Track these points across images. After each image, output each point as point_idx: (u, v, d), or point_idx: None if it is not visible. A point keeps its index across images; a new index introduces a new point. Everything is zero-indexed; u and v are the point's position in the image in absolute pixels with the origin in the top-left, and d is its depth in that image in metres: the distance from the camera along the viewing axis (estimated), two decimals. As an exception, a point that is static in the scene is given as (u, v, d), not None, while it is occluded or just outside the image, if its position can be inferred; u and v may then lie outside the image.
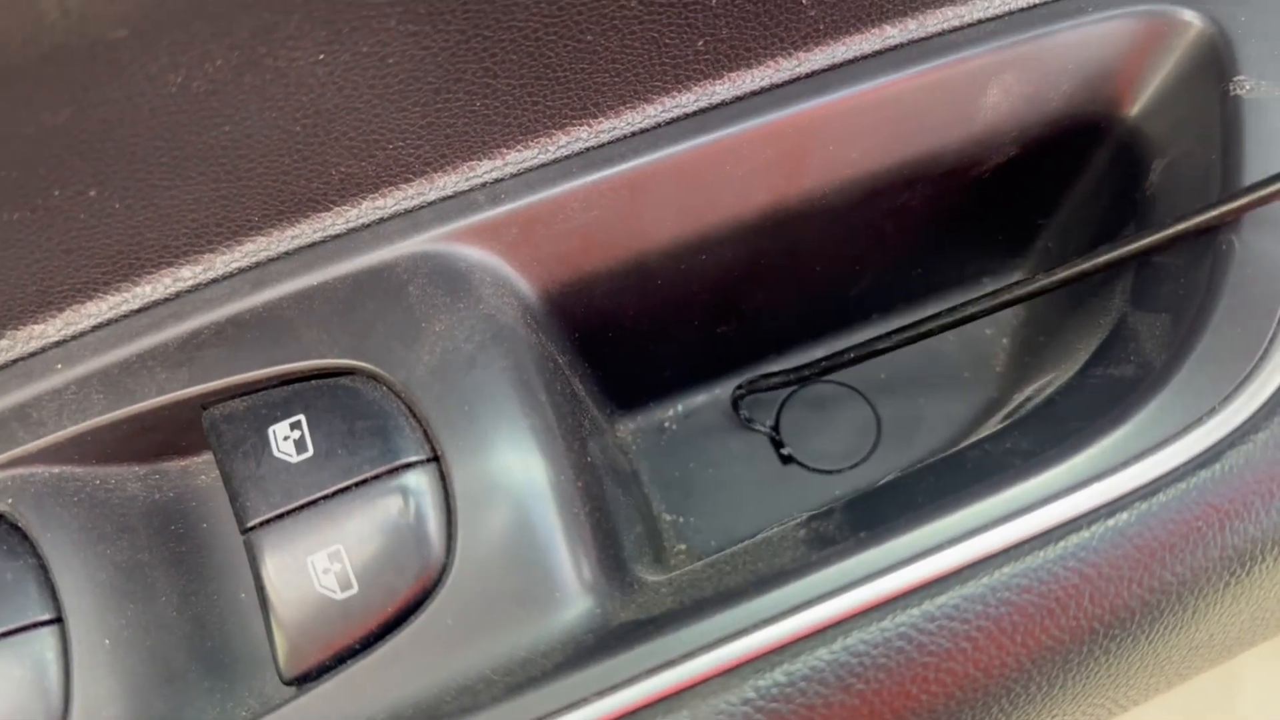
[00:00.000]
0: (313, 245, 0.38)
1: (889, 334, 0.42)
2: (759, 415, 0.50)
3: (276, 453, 0.34)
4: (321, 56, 0.32)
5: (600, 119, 0.39)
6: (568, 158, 0.39)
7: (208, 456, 0.39)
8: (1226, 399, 0.34)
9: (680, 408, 0.51)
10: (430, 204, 0.38)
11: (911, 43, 0.40)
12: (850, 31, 0.39)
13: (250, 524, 0.33)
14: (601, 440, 0.43)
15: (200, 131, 0.32)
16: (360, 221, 0.38)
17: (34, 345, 0.37)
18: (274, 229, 0.37)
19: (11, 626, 0.34)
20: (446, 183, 0.38)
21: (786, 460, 0.50)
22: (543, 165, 0.39)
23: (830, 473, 0.49)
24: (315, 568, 0.33)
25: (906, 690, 0.32)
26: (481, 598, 0.33)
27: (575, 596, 0.34)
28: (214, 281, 0.37)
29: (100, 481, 0.37)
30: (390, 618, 0.33)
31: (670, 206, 0.39)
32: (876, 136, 0.40)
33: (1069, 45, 0.40)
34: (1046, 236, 0.49)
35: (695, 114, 0.39)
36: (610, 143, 0.39)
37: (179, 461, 0.38)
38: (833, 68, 0.40)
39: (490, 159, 0.38)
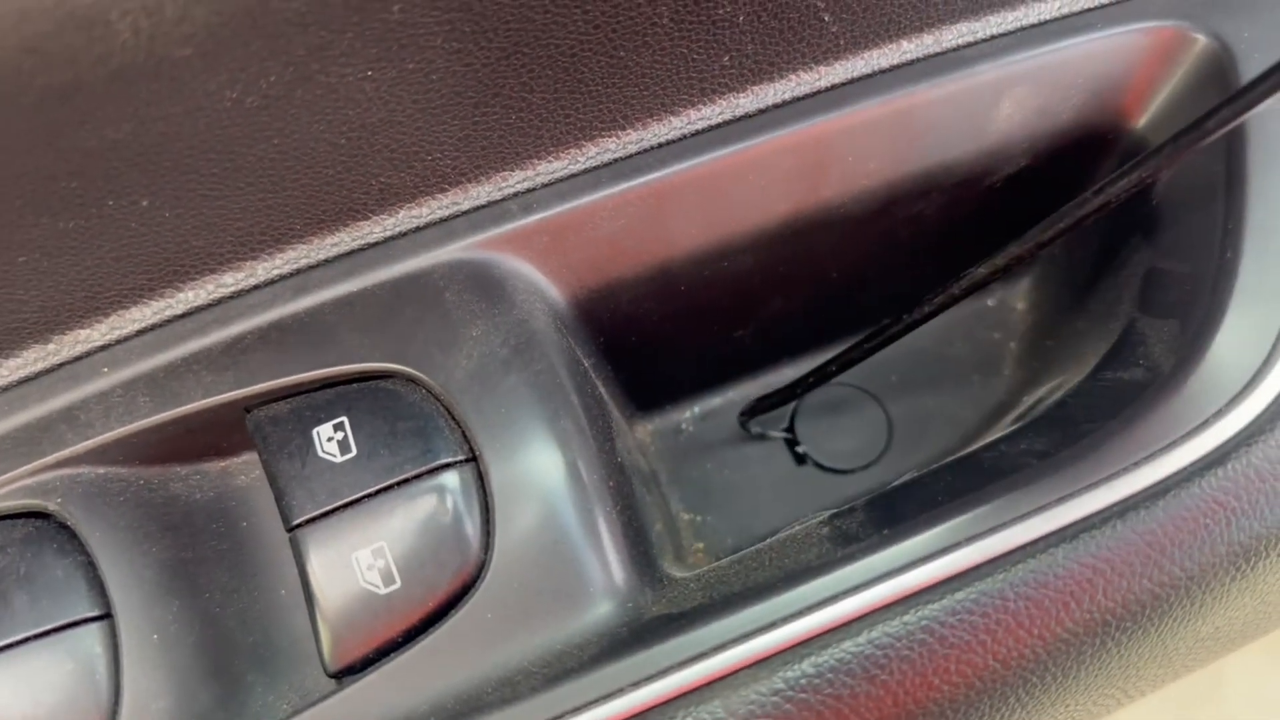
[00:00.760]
0: (352, 253, 0.39)
1: (879, 330, 0.42)
2: (773, 420, 0.52)
3: (321, 453, 0.35)
4: (370, 73, 0.33)
5: (628, 131, 0.40)
6: (597, 168, 0.40)
7: (247, 457, 0.40)
8: (1233, 402, 0.36)
9: (697, 409, 0.52)
10: (464, 213, 0.39)
11: (927, 57, 0.42)
12: (869, 47, 0.41)
13: (296, 522, 0.35)
14: (624, 441, 0.44)
15: (251, 144, 0.33)
16: (398, 230, 0.39)
17: (80, 349, 0.38)
18: (315, 237, 0.38)
19: (63, 622, 0.35)
20: (480, 192, 0.39)
21: (801, 460, 0.51)
22: (572, 175, 0.40)
23: (844, 472, 0.51)
24: (359, 564, 0.34)
25: (929, 681, 0.33)
26: (519, 593, 0.34)
27: (608, 592, 0.35)
28: (256, 288, 0.38)
29: (144, 482, 0.38)
30: (431, 612, 0.34)
31: (695, 215, 0.41)
32: (893, 148, 0.42)
33: (1079, 59, 0.42)
34: (1054, 245, 0.50)
35: (719, 126, 0.41)
36: (638, 153, 0.40)
37: (219, 463, 0.40)
38: (851, 81, 0.41)
39: (522, 169, 0.39)
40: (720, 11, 0.36)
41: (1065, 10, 0.42)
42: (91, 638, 0.35)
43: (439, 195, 0.39)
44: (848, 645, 0.33)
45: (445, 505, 0.35)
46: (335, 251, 0.39)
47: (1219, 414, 0.36)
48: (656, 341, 0.46)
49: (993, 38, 0.42)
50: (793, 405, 0.52)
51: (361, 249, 0.39)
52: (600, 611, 0.35)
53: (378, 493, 0.35)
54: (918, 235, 0.46)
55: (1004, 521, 0.34)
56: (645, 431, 0.52)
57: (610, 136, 0.40)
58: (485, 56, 0.34)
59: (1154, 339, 0.39)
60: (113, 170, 0.32)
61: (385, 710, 0.33)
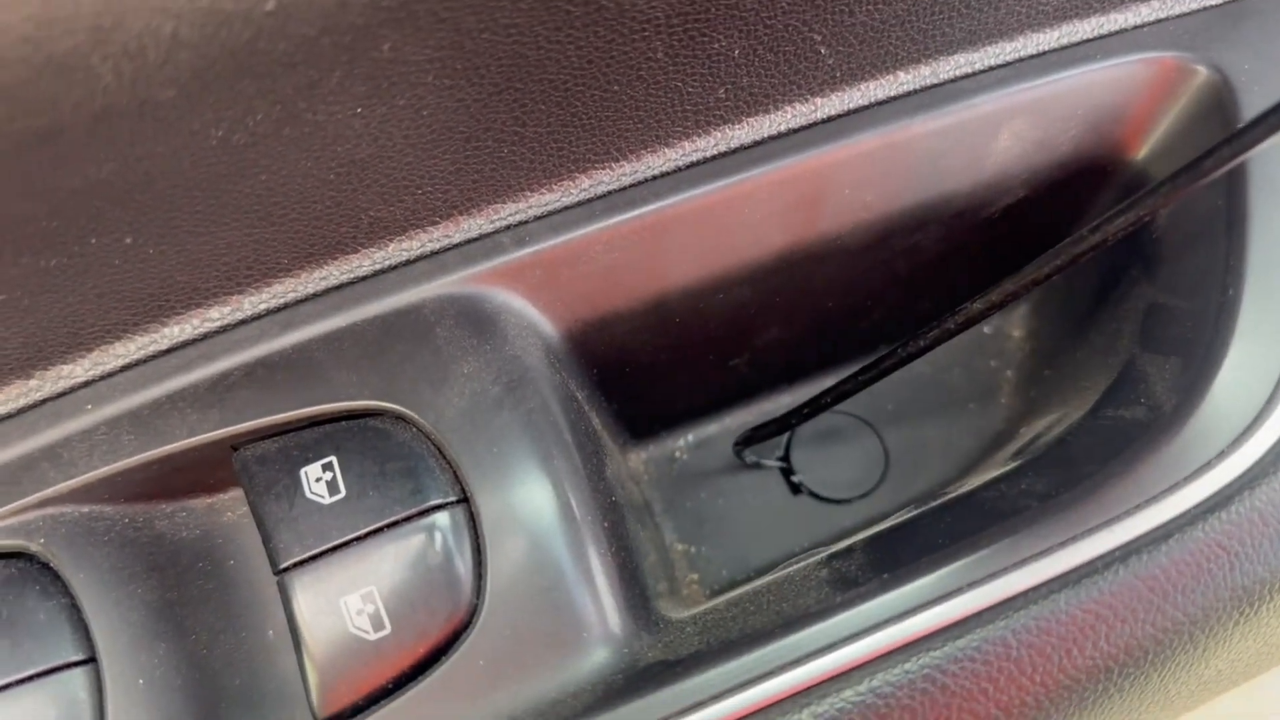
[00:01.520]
0: (340, 287, 0.38)
1: (874, 363, 0.42)
2: (768, 449, 0.51)
3: (309, 494, 0.35)
4: (359, 110, 0.32)
5: (622, 163, 0.39)
6: (590, 200, 0.39)
7: (233, 493, 0.39)
8: (1235, 443, 0.35)
9: (691, 438, 0.52)
10: (456, 246, 0.39)
11: (925, 89, 0.41)
12: (865, 78, 0.40)
13: (284, 565, 0.34)
14: (617, 472, 0.43)
15: (237, 180, 0.33)
16: (387, 263, 0.38)
17: (63, 385, 0.37)
18: (303, 271, 0.38)
19: (46, 667, 0.34)
20: (472, 225, 0.39)
21: (797, 490, 0.50)
22: (566, 208, 0.39)
23: (840, 502, 0.50)
24: (349, 609, 0.33)
25: (930, 730, 0.32)
26: (512, 639, 0.34)
27: (603, 638, 0.34)
28: (242, 323, 0.38)
29: (129, 520, 0.37)
30: (422, 658, 0.34)
31: (690, 248, 0.40)
32: (891, 180, 0.41)
33: (1078, 91, 0.41)
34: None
35: (714, 158, 0.40)
36: (631, 186, 0.40)
37: (205, 499, 0.39)
38: (848, 113, 0.41)
39: (515, 202, 0.39)
40: (715, 45, 0.36)
41: (1064, 41, 0.42)
42: (75, 683, 0.34)
43: (429, 228, 0.38)
44: (848, 694, 0.32)
45: (436, 548, 0.34)
46: (323, 285, 0.38)
47: (1221, 456, 0.35)
48: (651, 371, 0.45)
49: (990, 69, 0.42)
50: (788, 434, 0.52)
51: (350, 283, 0.38)
52: (595, 657, 0.34)
53: (367, 535, 0.34)
54: (914, 266, 0.46)
55: (1006, 566, 0.34)
56: (639, 460, 0.51)
57: (604, 169, 0.39)
58: (477, 92, 0.34)
59: (1155, 377, 0.38)
60: (95, 209, 0.31)
61: (377, 760, 0.33)
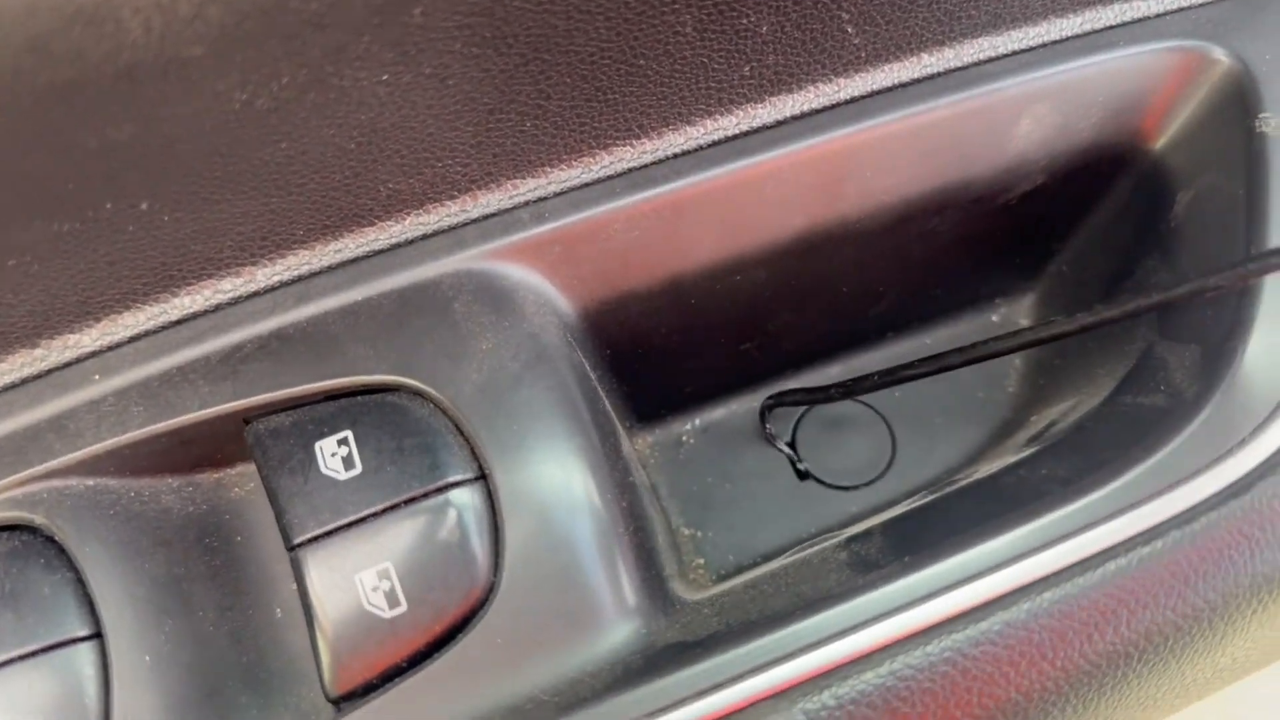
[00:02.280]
0: (356, 260, 0.37)
1: (917, 362, 0.42)
2: (778, 430, 0.51)
3: (324, 469, 0.34)
4: (385, 77, 0.32)
5: (644, 140, 0.39)
6: (611, 178, 0.39)
7: (242, 469, 0.38)
8: (1256, 430, 0.35)
9: (698, 422, 0.51)
10: (474, 221, 0.38)
11: (948, 72, 0.41)
12: (889, 59, 0.40)
13: (297, 541, 0.33)
14: (630, 454, 0.43)
15: (258, 147, 0.32)
16: (404, 237, 0.38)
17: (70, 355, 0.36)
18: (318, 243, 0.37)
19: (51, 642, 0.33)
20: (490, 200, 0.38)
21: (804, 476, 0.50)
22: (586, 185, 0.39)
23: (847, 489, 0.50)
24: (364, 585, 0.33)
25: (951, 714, 0.32)
26: (529, 617, 0.33)
27: (621, 617, 0.34)
28: (255, 295, 0.37)
29: (135, 494, 0.36)
30: (438, 636, 0.33)
31: (710, 228, 0.40)
32: (912, 163, 0.41)
33: (1100, 77, 0.41)
34: (1060, 261, 0.50)
35: (736, 137, 0.40)
36: (653, 164, 0.39)
37: (213, 474, 0.38)
38: (871, 95, 0.40)
39: (534, 177, 0.38)
40: (744, 21, 0.35)
41: (1087, 28, 0.42)
42: (81, 658, 0.33)
43: (448, 202, 0.38)
44: (869, 676, 0.32)
45: (453, 525, 0.34)
46: (339, 258, 0.38)
47: (1242, 443, 0.35)
48: (663, 354, 0.45)
49: (1014, 53, 0.41)
50: (795, 420, 0.51)
51: (366, 256, 0.38)
52: (614, 637, 0.34)
53: (383, 511, 0.34)
54: (930, 251, 0.45)
55: (1028, 550, 0.33)
56: (645, 443, 0.51)
57: (625, 146, 0.39)
58: (503, 62, 0.33)
59: (1175, 364, 0.38)
60: (113, 172, 0.31)
61: (392, 738, 0.32)
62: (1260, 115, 0.40)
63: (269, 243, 0.36)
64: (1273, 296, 0.37)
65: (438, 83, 0.33)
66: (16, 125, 0.28)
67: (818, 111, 0.40)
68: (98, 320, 0.36)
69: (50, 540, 0.35)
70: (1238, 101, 0.41)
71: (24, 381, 0.36)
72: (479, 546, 0.34)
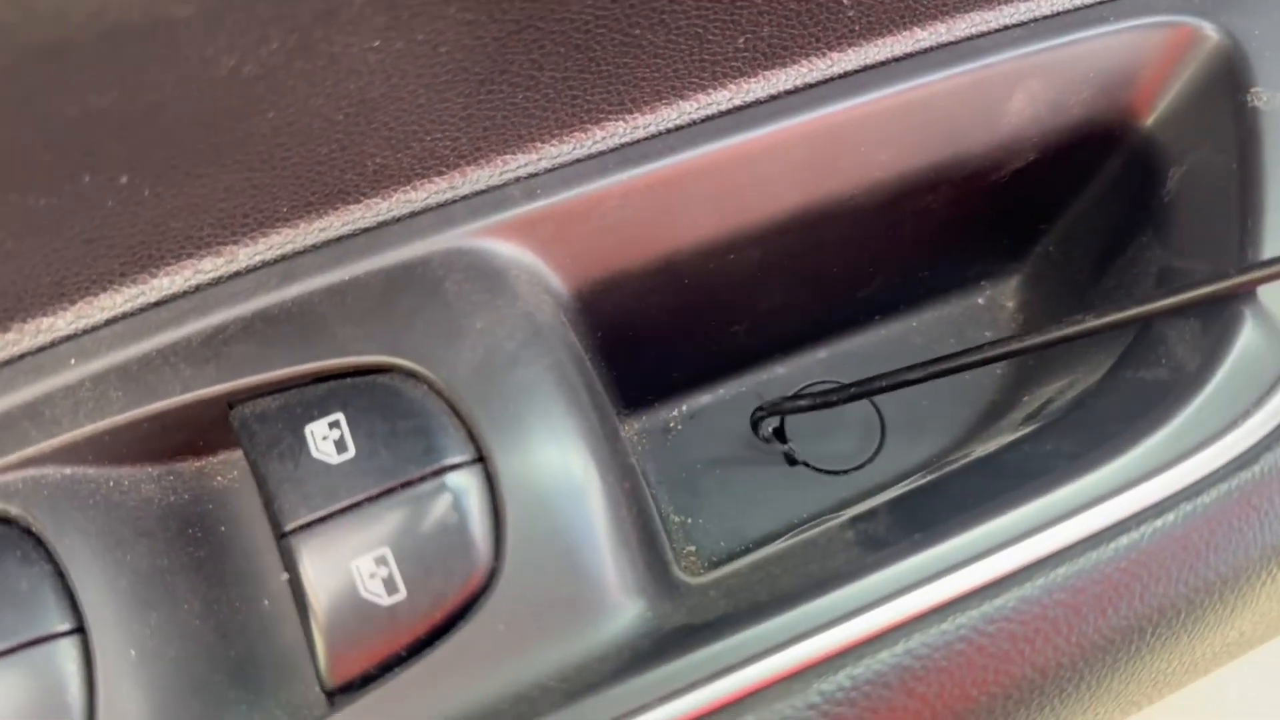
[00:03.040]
0: (341, 239, 0.36)
1: (922, 365, 0.41)
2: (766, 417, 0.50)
3: (315, 453, 0.33)
4: (377, 43, 0.30)
5: (636, 115, 0.38)
6: (603, 153, 0.38)
7: (225, 456, 0.37)
8: (1261, 400, 0.35)
9: (685, 408, 0.51)
10: (463, 198, 0.37)
11: (940, 46, 0.40)
12: (883, 33, 0.39)
13: (289, 528, 0.32)
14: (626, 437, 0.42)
15: (243, 117, 0.31)
16: (391, 215, 0.37)
17: (43, 339, 0.35)
18: (301, 221, 0.36)
19: (30, 637, 0.32)
20: (480, 177, 0.37)
21: (793, 461, 0.49)
22: (578, 160, 0.38)
23: (837, 473, 0.49)
24: (360, 572, 0.32)
25: (966, 692, 0.32)
26: (533, 602, 0.32)
27: (627, 600, 0.33)
28: (238, 274, 0.36)
29: (114, 483, 0.35)
30: (438, 624, 0.32)
31: (704, 205, 0.39)
32: (906, 138, 0.40)
33: (1091, 53, 0.41)
34: (1047, 241, 0.50)
35: (729, 112, 0.39)
36: (646, 139, 0.38)
37: (194, 462, 0.37)
38: (865, 69, 0.40)
39: (525, 153, 0.37)
40: (743, -11, 0.35)
41: (1078, 2, 0.41)
42: (63, 654, 0.32)
43: (436, 179, 0.37)
44: (884, 656, 0.31)
45: (452, 509, 0.33)
46: (323, 237, 0.36)
47: (1246, 414, 0.35)
48: (653, 337, 0.44)
49: (1006, 28, 0.41)
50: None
51: (352, 235, 0.36)
52: (620, 621, 0.33)
53: (379, 496, 0.32)
54: (920, 229, 0.45)
55: (1039, 525, 0.33)
56: (632, 430, 0.50)
57: (618, 120, 0.38)
58: (497, 30, 0.32)
59: (1175, 338, 0.38)
60: (93, 142, 0.29)
61: (392, 729, 0.31)
62: (1252, 90, 0.40)
63: (251, 220, 0.35)
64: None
65: (429, 50, 0.32)
66: (-8, 91, 0.26)
67: (810, 86, 0.39)
68: (73, 303, 0.35)
69: (27, 532, 0.33)
70: (1228, 77, 0.41)
71: (-6, 368, 0.34)
72: (479, 530, 0.33)
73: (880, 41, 0.40)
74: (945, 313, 0.52)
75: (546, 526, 0.33)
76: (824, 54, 0.39)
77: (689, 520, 0.48)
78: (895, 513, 0.36)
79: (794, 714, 0.31)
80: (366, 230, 0.36)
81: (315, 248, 0.36)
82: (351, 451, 0.33)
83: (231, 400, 0.34)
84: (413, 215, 0.37)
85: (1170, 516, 0.33)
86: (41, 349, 0.35)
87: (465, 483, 0.33)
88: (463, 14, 0.31)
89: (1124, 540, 0.33)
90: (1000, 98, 0.41)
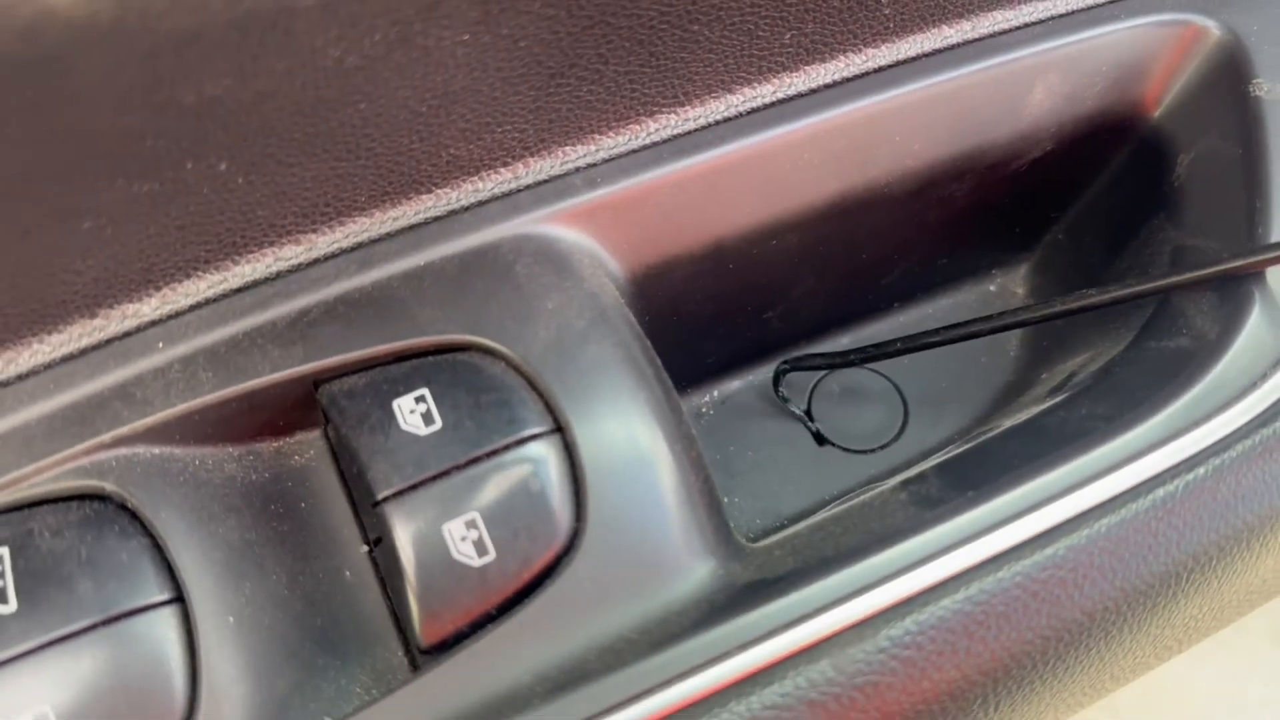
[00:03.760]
0: (414, 227, 0.38)
1: (939, 330, 0.44)
2: (793, 398, 0.53)
3: (404, 425, 0.34)
4: (466, 37, 0.32)
5: (687, 107, 0.40)
6: (657, 144, 0.40)
7: (300, 437, 0.39)
8: (1277, 364, 0.38)
9: (716, 393, 0.53)
10: (526, 187, 0.39)
11: (966, 43, 0.43)
12: (915, 31, 0.42)
13: (382, 495, 0.34)
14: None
15: (339, 108, 0.33)
16: (460, 204, 0.38)
17: (130, 324, 0.36)
18: (377, 210, 0.38)
19: (132, 606, 0.33)
20: (542, 167, 0.39)
21: (821, 441, 0.52)
22: (633, 151, 0.40)
23: (864, 452, 0.51)
24: (452, 535, 0.33)
25: (1022, 635, 0.34)
26: (615, 561, 0.34)
27: (700, 559, 0.35)
28: (316, 261, 0.37)
29: (200, 462, 0.36)
30: (526, 584, 0.34)
31: (750, 193, 0.41)
32: (936, 129, 0.43)
33: (1105, 48, 0.44)
34: (1057, 230, 0.53)
35: (773, 105, 0.41)
36: (695, 130, 0.41)
37: (273, 443, 0.38)
38: (898, 64, 0.42)
39: (584, 144, 0.39)
40: (793, -14, 0.37)
41: (1092, 1, 0.44)
42: (164, 622, 0.33)
43: (501, 169, 0.39)
44: (946, 603, 0.34)
45: (536, 476, 0.34)
46: (396, 226, 0.38)
47: (1265, 376, 0.38)
48: (695, 322, 0.46)
49: (1025, 25, 0.44)
50: (810, 388, 0.53)
51: (423, 223, 0.38)
52: (695, 578, 0.35)
53: (466, 464, 0.34)
54: (944, 216, 0.48)
55: (1082, 480, 0.36)
56: (668, 415, 0.52)
57: (670, 113, 0.40)
58: (572, 25, 0.34)
59: (1193, 310, 0.41)
60: (201, 129, 0.31)
61: (489, 682, 0.33)
62: (1253, 80, 0.43)
63: (331, 209, 0.37)
64: (1283, 245, 0.40)
65: (511, 43, 0.34)
66: (123, 77, 0.28)
67: (848, 80, 0.42)
68: (158, 289, 0.36)
69: (121, 508, 0.35)
70: (1231, 69, 0.44)
71: (84, 351, 0.36)
72: (562, 495, 0.34)
73: (912, 38, 0.42)
74: (960, 299, 0.55)
75: (623, 491, 0.35)
76: (860, 50, 0.42)
77: (725, 500, 0.50)
78: (944, 475, 0.39)
79: (865, 658, 0.33)
80: (437, 219, 0.38)
81: (389, 235, 0.38)
82: (439, 424, 0.34)
83: (317, 380, 0.36)
84: (480, 204, 0.39)
85: (1201, 470, 0.36)
86: (128, 334, 0.36)
87: (545, 451, 0.35)
88: (546, 9, 0.33)
89: (1160, 492, 0.36)
90: (1021, 91, 0.44)
